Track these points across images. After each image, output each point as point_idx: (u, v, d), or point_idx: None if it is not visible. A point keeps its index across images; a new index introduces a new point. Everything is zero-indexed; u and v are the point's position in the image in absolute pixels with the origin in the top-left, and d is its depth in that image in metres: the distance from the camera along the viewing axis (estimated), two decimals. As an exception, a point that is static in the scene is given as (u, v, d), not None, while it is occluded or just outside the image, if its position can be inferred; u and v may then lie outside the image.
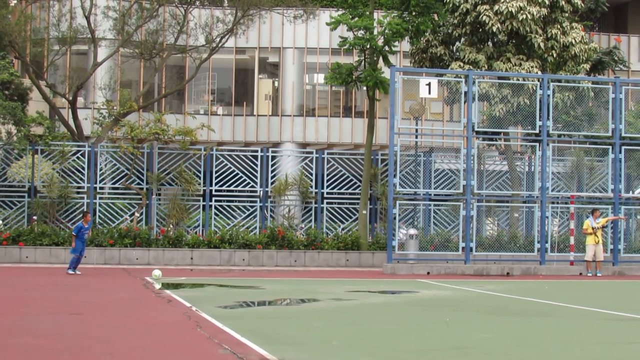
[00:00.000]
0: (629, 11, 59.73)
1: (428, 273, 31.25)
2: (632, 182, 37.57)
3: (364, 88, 39.10)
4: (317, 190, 37.86)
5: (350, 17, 37.20)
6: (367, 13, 37.49)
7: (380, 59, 37.60)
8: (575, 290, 25.95)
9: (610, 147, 33.79)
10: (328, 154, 38.75)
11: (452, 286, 25.89)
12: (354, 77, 37.82)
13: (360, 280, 27.78)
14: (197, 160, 37.33)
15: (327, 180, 38.14)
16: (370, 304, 20.22)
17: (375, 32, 37.13)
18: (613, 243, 33.48)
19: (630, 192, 36.48)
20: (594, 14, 46.33)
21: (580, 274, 32.12)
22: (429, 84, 32.74)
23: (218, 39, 40.69)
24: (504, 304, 21.15)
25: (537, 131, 33.55)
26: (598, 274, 31.74)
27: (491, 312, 19.04)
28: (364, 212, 37.31)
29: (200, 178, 36.97)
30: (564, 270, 32.53)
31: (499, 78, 35.78)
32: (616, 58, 44.41)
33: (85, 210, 33.25)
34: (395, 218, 32.40)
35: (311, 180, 38.06)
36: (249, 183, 37.43)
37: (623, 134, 33.78)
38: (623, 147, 33.71)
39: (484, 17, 36.28)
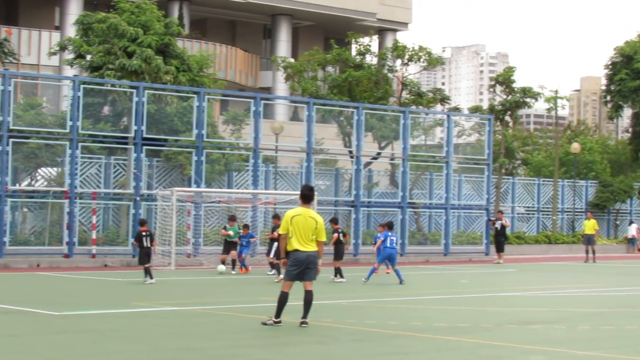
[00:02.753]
0: (20, 4, 59.68)
1: None
2: (20, 174, 37.50)
3: None
4: None
5: None
6: None
7: None
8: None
9: (-3, 139, 33.32)
10: None
11: None
12: None
13: None
14: None
15: None
16: None
17: None
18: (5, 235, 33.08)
19: (17, 184, 36.36)
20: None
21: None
22: None
23: None
24: None
25: None
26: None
27: None
28: None
29: None
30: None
31: None
32: (6, 50, 44.10)
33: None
34: None
35: None
36: None
37: (11, 127, 33.49)
38: (11, 140, 33.43)
39: None
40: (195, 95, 36.94)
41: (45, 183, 38.78)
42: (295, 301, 16.17)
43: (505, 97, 54.30)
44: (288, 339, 14.54)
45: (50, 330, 15.43)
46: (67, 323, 16.49)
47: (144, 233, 26.19)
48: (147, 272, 25.60)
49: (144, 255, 25.90)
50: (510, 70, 54.76)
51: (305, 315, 15.80)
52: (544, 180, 58.05)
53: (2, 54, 43.52)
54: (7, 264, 32.35)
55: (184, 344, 13.80)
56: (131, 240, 34.51)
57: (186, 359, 12.57)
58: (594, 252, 43.32)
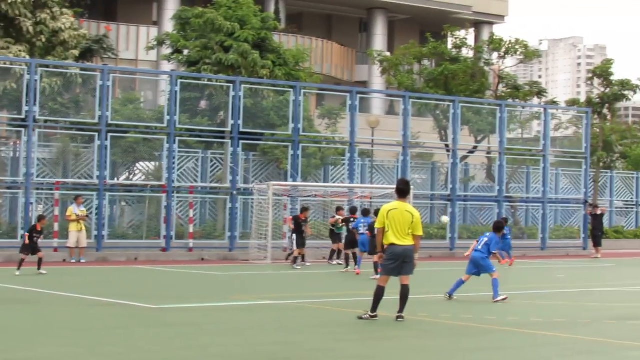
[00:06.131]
0: (118, 0, 60.57)
1: None
2: (118, 168, 38.09)
3: None
4: None
5: None
6: None
7: None
8: (60, 277, 25.68)
9: (97, 133, 33.84)
10: None
11: None
12: None
13: None
14: None
15: None
16: None
17: None
18: (97, 229, 33.61)
19: (116, 178, 36.93)
20: (85, 1, 46.46)
21: (64, 260, 31.88)
22: None
23: None
24: (-15, 292, 20.39)
25: (23, 116, 32.76)
26: (82, 260, 31.66)
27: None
28: None
29: None
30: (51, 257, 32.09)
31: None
32: (105, 46, 44.79)
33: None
34: None
35: None
36: None
37: (110, 121, 33.99)
38: (109, 134, 33.94)
39: (-30, -2, 34.94)
40: (291, 90, 37.07)
41: (143, 177, 39.32)
42: (392, 295, 16.11)
43: (603, 89, 53.44)
44: (384, 333, 14.49)
45: (149, 323, 15.60)
46: (165, 316, 16.67)
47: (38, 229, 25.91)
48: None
49: (27, 248, 25.56)
50: (608, 62, 53.85)
51: (401, 310, 15.74)
52: (643, 174, 56.89)
53: (101, 49, 44.19)
54: (106, 257, 32.89)
55: (280, 338, 13.84)
56: (228, 233, 34.91)
57: (282, 353, 12.60)
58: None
